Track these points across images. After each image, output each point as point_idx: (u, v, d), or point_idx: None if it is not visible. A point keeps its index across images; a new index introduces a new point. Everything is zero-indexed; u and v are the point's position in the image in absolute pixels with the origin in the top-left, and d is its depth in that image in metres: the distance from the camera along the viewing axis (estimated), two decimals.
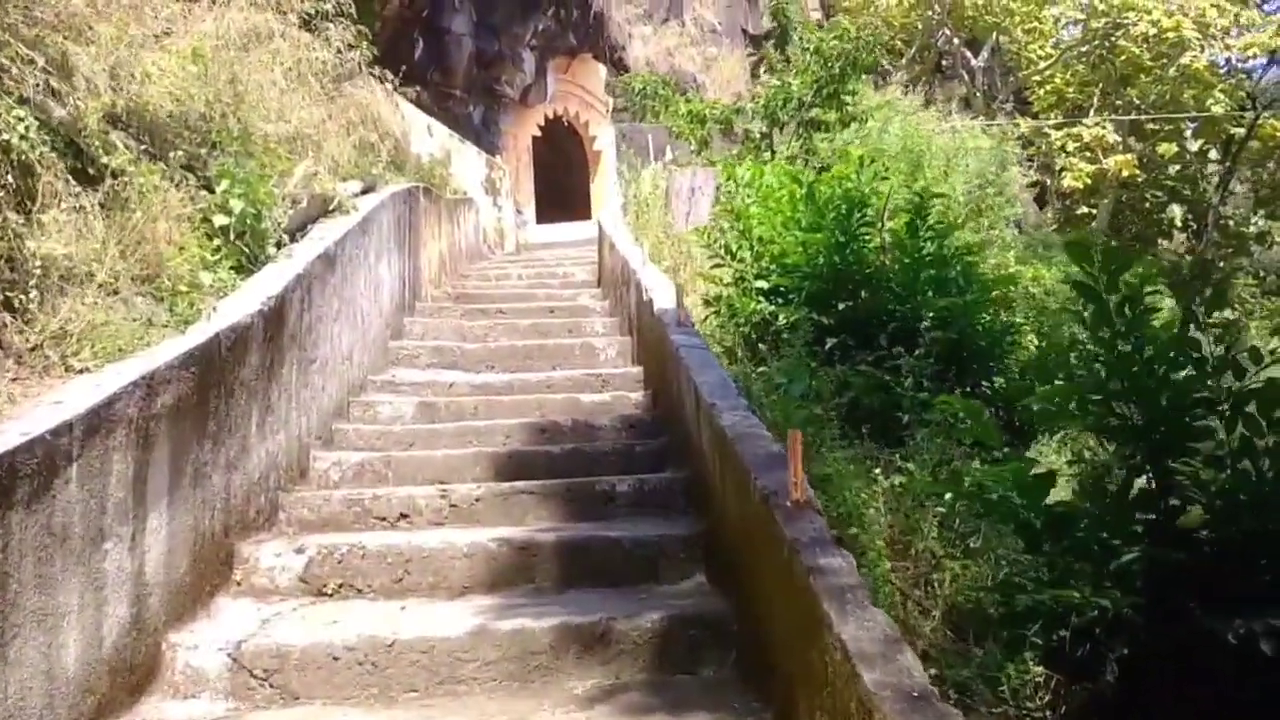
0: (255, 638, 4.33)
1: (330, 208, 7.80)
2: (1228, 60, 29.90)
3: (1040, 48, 31.94)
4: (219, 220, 6.20)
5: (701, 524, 5.23)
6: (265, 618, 4.64)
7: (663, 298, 7.31)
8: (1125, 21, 28.08)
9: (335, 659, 4.24)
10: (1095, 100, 29.87)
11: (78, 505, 3.62)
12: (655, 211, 11.32)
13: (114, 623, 3.87)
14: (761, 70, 25.06)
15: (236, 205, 6.27)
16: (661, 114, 15.16)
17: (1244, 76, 30.07)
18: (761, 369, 6.86)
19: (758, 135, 14.06)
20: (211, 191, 6.39)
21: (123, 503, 3.95)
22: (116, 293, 5.19)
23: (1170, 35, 27.22)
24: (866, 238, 7.32)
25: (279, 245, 6.67)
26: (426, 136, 13.58)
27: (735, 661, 4.29)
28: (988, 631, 4.25)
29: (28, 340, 4.51)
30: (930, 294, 7.21)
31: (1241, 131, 29.26)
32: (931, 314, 7.05)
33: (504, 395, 7.57)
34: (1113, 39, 28.84)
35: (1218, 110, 27.81)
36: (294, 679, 4.22)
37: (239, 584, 4.98)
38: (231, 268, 6.10)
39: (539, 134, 20.67)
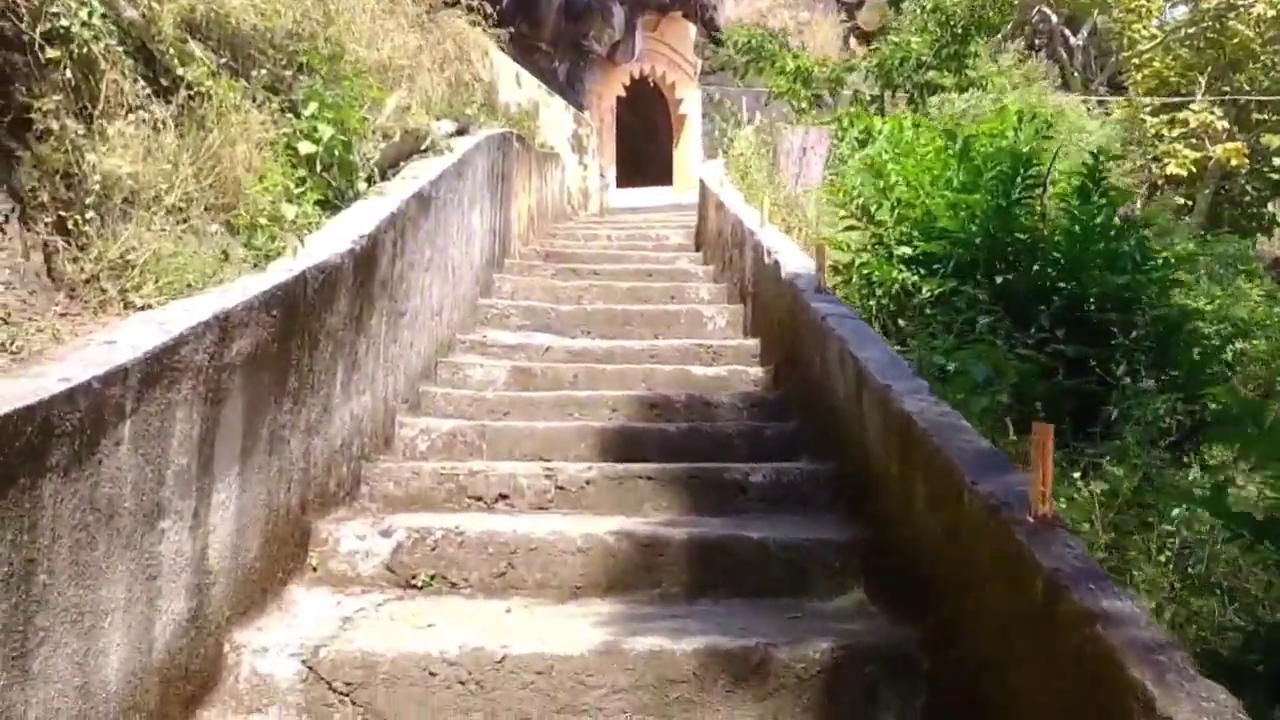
0: (336, 642, 3.56)
1: (423, 146, 7.03)
2: None
3: (1144, 28, 30.38)
4: (304, 148, 5.45)
5: (858, 528, 4.39)
6: (346, 615, 3.88)
7: (793, 261, 6.44)
8: (1240, 3, 26.53)
9: (432, 674, 3.46)
10: (1202, 85, 28.28)
11: (130, 473, 2.86)
12: (760, 173, 10.44)
13: (168, 620, 3.12)
14: (852, 39, 23.96)
15: (325, 131, 5.51)
16: (766, 70, 14.19)
17: None
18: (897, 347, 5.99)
19: (868, 97, 13.07)
20: (297, 117, 5.64)
21: (185, 471, 3.19)
22: (186, 221, 4.46)
23: None
24: (1029, 202, 6.40)
25: (369, 181, 5.91)
26: (515, 86, 12.78)
27: (926, 708, 3.45)
28: (1244, 690, 3.37)
29: (82, 270, 3.79)
30: (1098, 270, 6.28)
31: None
32: (1103, 292, 6.13)
33: (605, 364, 6.76)
34: (1225, 20, 27.29)
35: None
36: (381, 696, 3.45)
37: (315, 570, 4.23)
38: (317, 202, 5.35)
39: (623, 94, 19.79)
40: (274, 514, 3.89)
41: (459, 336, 6.95)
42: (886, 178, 6.91)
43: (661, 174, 20.71)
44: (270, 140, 5.43)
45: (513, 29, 15.27)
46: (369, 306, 5.00)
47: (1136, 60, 30.20)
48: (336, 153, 5.66)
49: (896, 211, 6.74)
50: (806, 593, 4.21)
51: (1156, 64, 29.66)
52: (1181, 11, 30.24)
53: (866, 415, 4.41)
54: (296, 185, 5.30)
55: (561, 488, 4.90)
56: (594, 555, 4.25)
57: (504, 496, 4.89)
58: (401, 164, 6.52)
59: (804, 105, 14.03)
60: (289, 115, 5.65)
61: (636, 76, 20.02)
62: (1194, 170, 26.74)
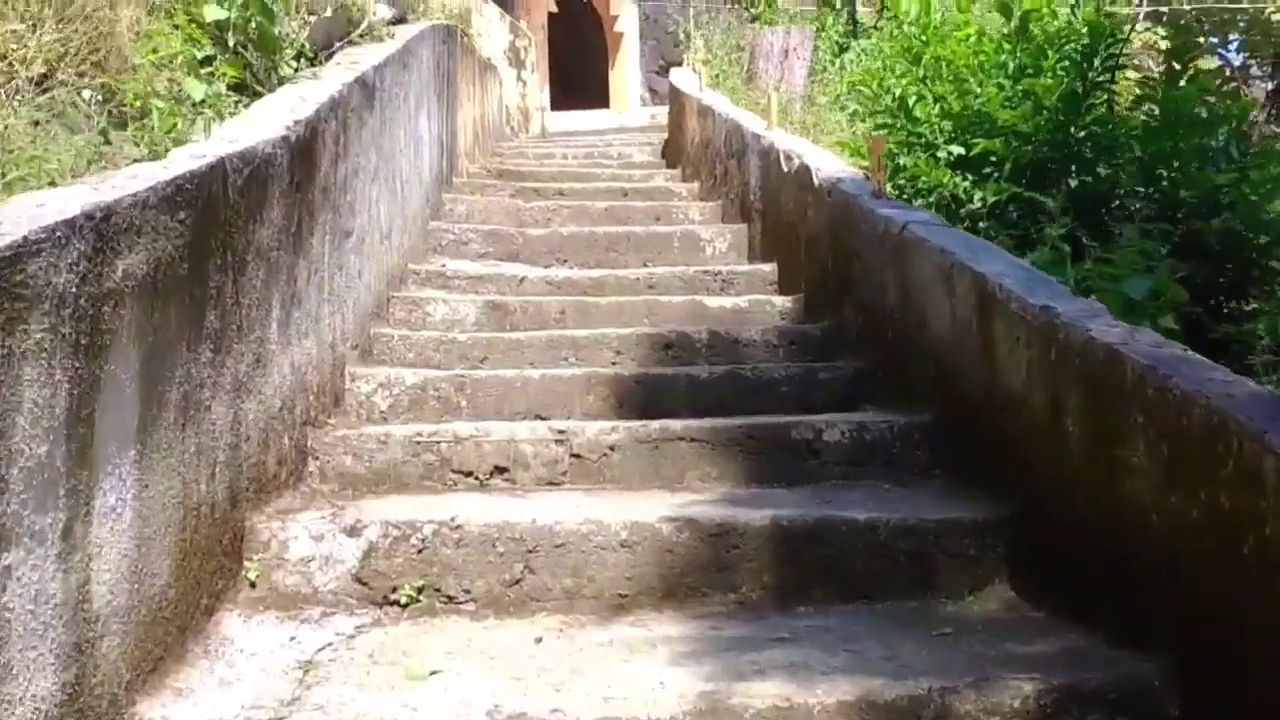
0: (298, 710, 2.35)
1: (358, 30, 5.68)
2: None
3: None
4: (212, 13, 4.12)
5: (990, 503, 3.28)
6: (306, 657, 2.66)
7: (827, 165, 5.27)
8: None
9: None
10: (1143, 6, 27.67)
11: None
12: (738, 79, 9.22)
13: (27, 714, 1.88)
14: None
15: None
16: None
17: None
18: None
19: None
20: None
21: (44, 466, 1.94)
22: (49, 94, 3.17)
23: None
24: (1103, 91, 5.30)
25: (298, 62, 4.59)
26: None
27: None
28: None
29: None
30: (1179, 170, 5.22)
31: None
32: (1195, 196, 5.09)
33: (596, 296, 5.54)
34: None
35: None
36: None
37: (254, 587, 2.99)
38: (232, 85, 4.03)
39: (554, 10, 18.28)
40: (193, 514, 2.64)
41: (412, 266, 5.67)
42: (927, 65, 5.76)
43: (596, 97, 19.26)
44: (162, 3, 4.12)
45: None
46: (309, 220, 3.72)
47: None
48: (256, 21, 4.33)
49: (939, 104, 5.60)
50: (932, 592, 3.11)
51: None
52: None
53: (1000, 349, 3.29)
54: (204, 64, 3.98)
55: (578, 456, 3.71)
56: (643, 551, 3.09)
57: (501, 470, 3.69)
58: (335, 46, 5.19)
59: (765, 10, 12.77)
60: None
61: None
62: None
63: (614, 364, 4.75)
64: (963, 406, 3.58)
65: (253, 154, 3.07)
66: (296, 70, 4.49)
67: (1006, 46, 5.68)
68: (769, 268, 5.87)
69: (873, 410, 4.19)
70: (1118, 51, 5.25)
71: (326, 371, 3.97)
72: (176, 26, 4.06)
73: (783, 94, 8.33)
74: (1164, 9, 25.74)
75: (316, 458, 3.64)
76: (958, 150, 5.42)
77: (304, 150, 3.59)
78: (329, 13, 5.20)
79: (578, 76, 19.44)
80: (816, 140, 7.36)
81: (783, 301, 5.40)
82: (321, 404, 3.88)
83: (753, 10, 12.60)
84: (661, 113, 16.52)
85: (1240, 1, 24.62)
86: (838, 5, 11.60)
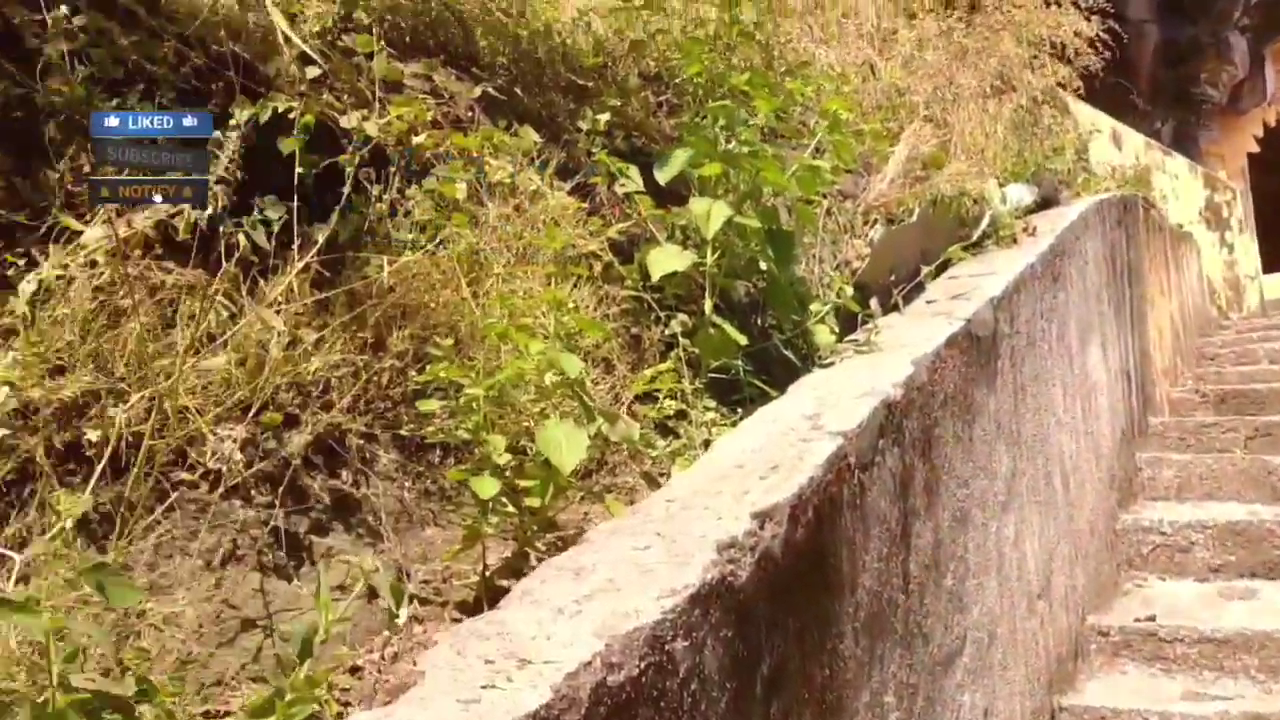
0: None
1: (979, 231, 3.53)
2: None
3: None
4: (663, 265, 2.23)
5: None
6: None
7: None
8: None
9: None
10: None
11: None
12: None
13: None
14: None
15: (718, 214, 2.25)
16: None
17: None
18: None
19: None
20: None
21: None
22: None
23: None
24: None
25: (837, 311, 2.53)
26: (1110, 146, 8.85)
27: None
28: None
29: None
30: None
31: None
32: None
33: None
34: None
35: None
36: None
37: None
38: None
39: (1256, 149, 14.69)
40: None
41: (1091, 620, 3.22)
42: None
43: None
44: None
45: (1091, 83, 11.35)
46: None
47: None
48: (765, 268, 2.38)
49: None
50: None
51: None
52: None
53: None
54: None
55: None
56: None
57: None
58: (923, 271, 3.06)
59: None
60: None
61: (1272, 125, 14.83)
62: None
63: None
64: None
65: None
66: (838, 338, 2.43)
67: None
68: None
69: None
70: None
71: None
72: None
73: None
74: None
75: None
76: None
77: (783, 579, 1.46)
78: (914, 217, 3.12)
79: None
80: None
81: None
82: None
83: None
84: None
85: None
86: None
